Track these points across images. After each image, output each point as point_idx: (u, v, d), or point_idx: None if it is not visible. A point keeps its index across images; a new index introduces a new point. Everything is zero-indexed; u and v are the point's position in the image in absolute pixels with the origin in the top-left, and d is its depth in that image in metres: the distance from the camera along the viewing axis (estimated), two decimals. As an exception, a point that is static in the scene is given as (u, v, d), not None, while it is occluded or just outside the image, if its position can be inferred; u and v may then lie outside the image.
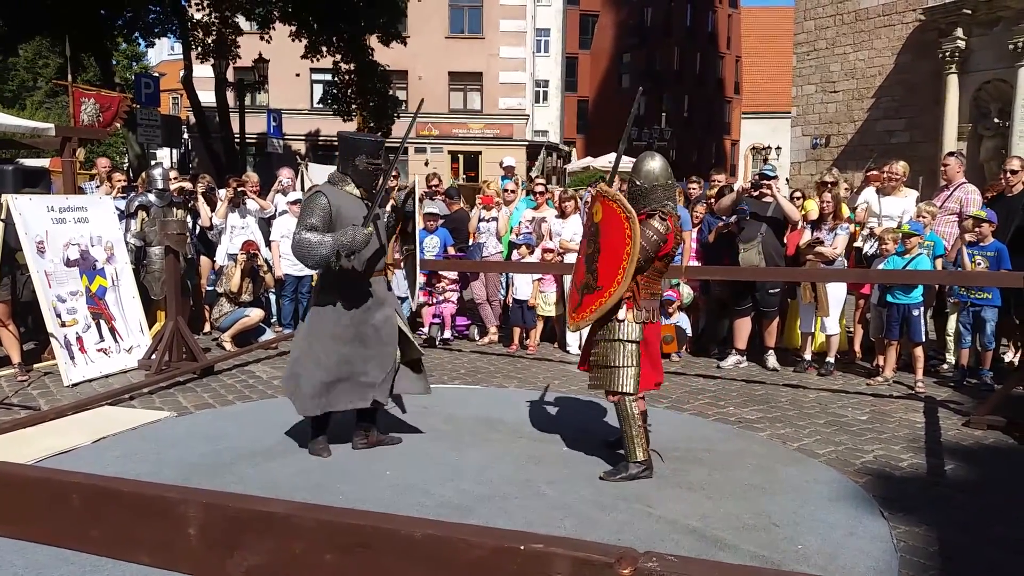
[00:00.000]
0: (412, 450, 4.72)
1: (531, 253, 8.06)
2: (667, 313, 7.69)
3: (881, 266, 6.72)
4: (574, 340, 7.93)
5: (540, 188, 9.12)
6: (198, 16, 22.57)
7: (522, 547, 0.93)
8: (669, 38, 47.49)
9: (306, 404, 4.53)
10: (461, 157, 33.58)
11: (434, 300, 8.41)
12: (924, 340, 6.65)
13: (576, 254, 4.94)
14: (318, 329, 4.55)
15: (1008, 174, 7.09)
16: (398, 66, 26.80)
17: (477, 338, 8.60)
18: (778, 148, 33.92)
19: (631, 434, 4.30)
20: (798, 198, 7.68)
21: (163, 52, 46.56)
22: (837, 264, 7.01)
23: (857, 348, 7.56)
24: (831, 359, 7.07)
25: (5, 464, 1.34)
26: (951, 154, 8.00)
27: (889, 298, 6.60)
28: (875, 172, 8.34)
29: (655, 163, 4.54)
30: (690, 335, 7.83)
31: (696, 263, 7.78)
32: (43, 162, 10.66)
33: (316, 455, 4.63)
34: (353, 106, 24.50)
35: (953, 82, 17.68)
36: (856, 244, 7.49)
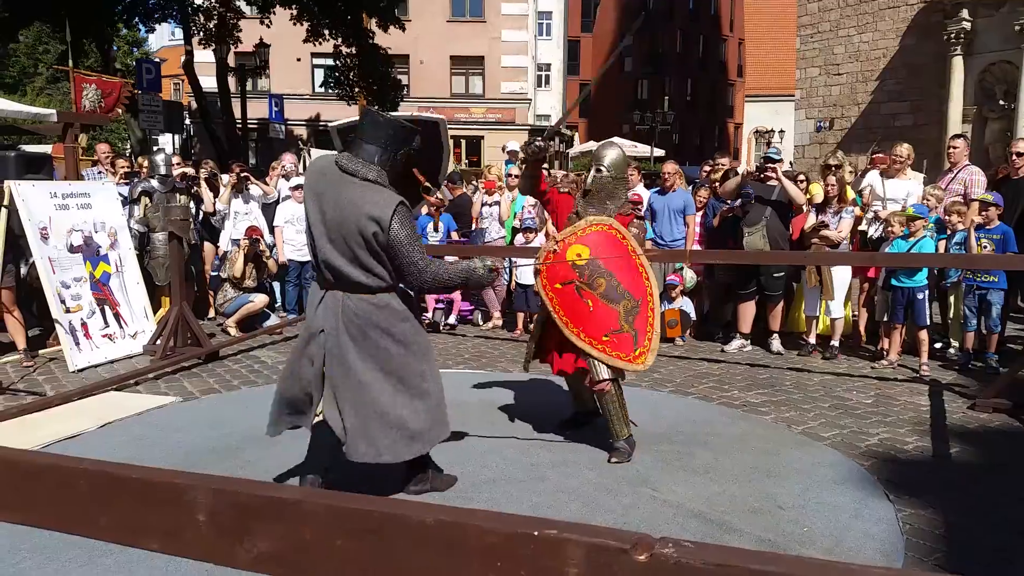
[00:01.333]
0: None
1: (534, 238, 8.03)
2: (670, 297, 7.67)
3: (886, 250, 6.69)
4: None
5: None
6: (199, 1, 22.45)
7: (536, 533, 0.92)
8: (672, 21, 47.21)
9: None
10: (463, 142, 33.48)
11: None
12: (929, 323, 6.63)
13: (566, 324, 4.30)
14: (426, 350, 3.69)
15: (1015, 156, 7.05)
16: (399, 50, 26.65)
17: (481, 323, 8.59)
18: (781, 131, 33.74)
19: (613, 414, 4.33)
20: (802, 181, 7.64)
21: (164, 38, 46.36)
22: (842, 247, 6.98)
23: (862, 331, 7.54)
24: (835, 342, 7.05)
25: (12, 450, 1.33)
26: (958, 136, 7.95)
27: (893, 282, 6.58)
28: (880, 155, 8.29)
29: (620, 152, 4.58)
30: (694, 319, 7.81)
31: (698, 247, 7.76)
32: (45, 148, 10.64)
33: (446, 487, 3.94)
34: (356, 90, 24.42)
35: (958, 64, 17.54)
36: (860, 228, 7.46)
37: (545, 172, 4.77)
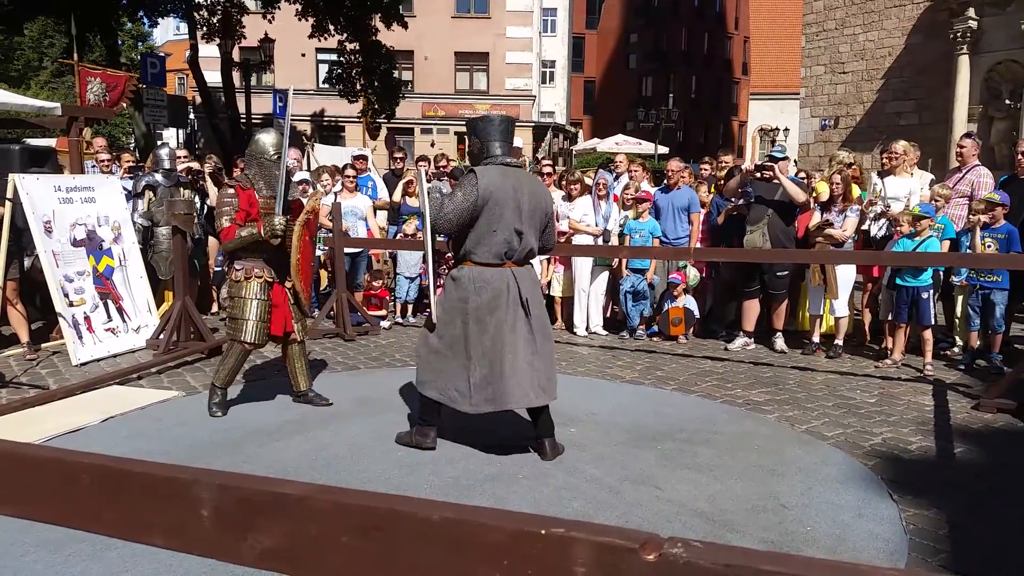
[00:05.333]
0: (420, 431, 4.71)
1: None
2: (673, 295, 7.66)
3: (891, 249, 6.67)
4: (581, 322, 7.92)
5: (547, 170, 9.07)
6: (202, -3, 22.43)
7: (543, 531, 0.91)
8: (677, 18, 47.14)
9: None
10: (467, 138, 33.43)
11: (441, 281, 8.38)
12: (933, 323, 6.61)
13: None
14: None
15: (1021, 156, 7.02)
16: (404, 46, 26.63)
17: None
18: (786, 129, 33.68)
19: (225, 364, 5.05)
20: (824, 179, 7.53)
21: (168, 32, 46.43)
22: (846, 246, 6.96)
23: (866, 330, 7.52)
24: (839, 341, 7.04)
25: (14, 444, 1.32)
26: (967, 135, 7.88)
27: (898, 281, 6.56)
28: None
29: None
30: (697, 317, 7.79)
31: (699, 245, 7.76)
32: (50, 142, 10.64)
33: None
34: (358, 86, 24.39)
35: (964, 63, 17.47)
36: (863, 227, 7.42)
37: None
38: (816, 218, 7.05)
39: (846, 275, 6.95)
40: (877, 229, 7.17)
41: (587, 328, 7.92)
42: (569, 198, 8.11)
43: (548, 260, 8.11)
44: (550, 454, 4.26)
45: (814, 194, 7.27)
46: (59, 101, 13.21)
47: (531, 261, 4.35)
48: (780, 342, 7.19)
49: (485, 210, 4.04)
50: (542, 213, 4.24)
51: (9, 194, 6.26)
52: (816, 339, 7.16)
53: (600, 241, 7.90)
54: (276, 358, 6.73)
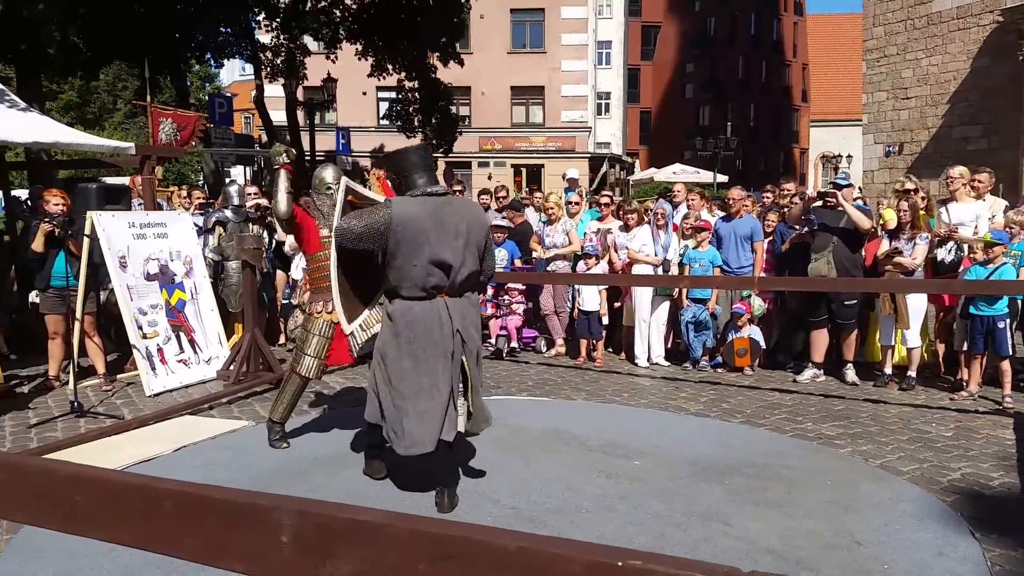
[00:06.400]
0: (480, 461, 4.71)
1: (595, 264, 8.01)
2: (737, 326, 7.53)
3: (964, 277, 6.45)
4: (642, 353, 7.84)
5: (605, 200, 9.08)
6: (266, 39, 23.17)
7: (620, 563, 0.90)
8: (733, 47, 46.96)
9: None
10: (524, 170, 33.69)
11: (500, 312, 8.43)
12: (1012, 353, 6.35)
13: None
14: None
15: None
16: (461, 82, 27.06)
17: (544, 350, 8.56)
18: (849, 156, 33.08)
19: (282, 398, 5.08)
20: (891, 206, 7.34)
21: (235, 73, 48.11)
22: (916, 275, 6.75)
23: (940, 361, 7.26)
24: (912, 373, 6.80)
25: (100, 469, 1.37)
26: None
27: (972, 310, 6.33)
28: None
29: (334, 167, 5.19)
30: (764, 348, 7.63)
31: (763, 274, 7.63)
32: (124, 180, 11.06)
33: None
34: (416, 122, 24.86)
35: (1035, 85, 16.95)
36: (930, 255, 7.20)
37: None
38: (884, 246, 6.87)
39: (917, 304, 6.74)
40: (945, 252, 6.94)
41: (648, 359, 7.83)
42: (626, 228, 8.09)
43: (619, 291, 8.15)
44: (447, 505, 3.94)
45: (881, 221, 7.09)
46: (132, 141, 13.75)
47: (472, 291, 4.07)
48: (851, 374, 6.98)
49: (402, 243, 3.78)
50: (478, 239, 3.97)
51: (87, 231, 6.52)
52: (888, 370, 6.93)
53: (660, 271, 7.84)
54: (343, 388, 6.83)
